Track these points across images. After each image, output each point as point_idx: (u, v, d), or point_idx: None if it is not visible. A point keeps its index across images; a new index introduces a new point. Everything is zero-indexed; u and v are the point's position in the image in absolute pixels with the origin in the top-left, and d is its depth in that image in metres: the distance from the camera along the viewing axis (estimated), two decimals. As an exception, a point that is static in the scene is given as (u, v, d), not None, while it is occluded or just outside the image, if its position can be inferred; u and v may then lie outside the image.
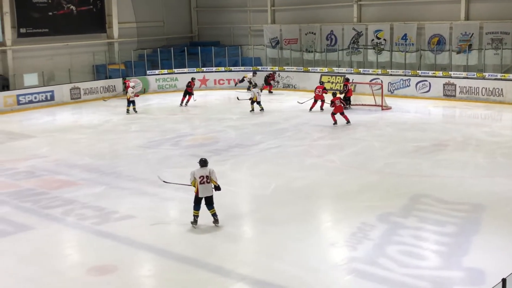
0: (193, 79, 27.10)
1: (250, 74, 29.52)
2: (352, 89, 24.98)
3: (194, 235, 11.28)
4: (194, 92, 26.47)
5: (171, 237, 11.34)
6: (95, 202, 13.26)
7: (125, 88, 26.91)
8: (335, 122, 20.62)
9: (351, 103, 24.00)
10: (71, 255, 10.92)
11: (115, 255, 10.48)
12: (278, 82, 30.01)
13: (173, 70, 31.08)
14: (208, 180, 11.25)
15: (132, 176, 15.36)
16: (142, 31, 32.98)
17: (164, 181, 12.90)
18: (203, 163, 11.49)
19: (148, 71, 30.74)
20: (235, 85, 30.07)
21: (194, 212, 11.44)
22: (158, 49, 31.65)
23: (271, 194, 13.74)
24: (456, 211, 12.04)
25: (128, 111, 24.33)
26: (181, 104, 26.12)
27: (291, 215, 12.11)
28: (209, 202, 11.35)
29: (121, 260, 10.19)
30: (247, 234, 11.85)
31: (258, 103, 23.91)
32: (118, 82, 29.57)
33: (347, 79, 25.54)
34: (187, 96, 26.16)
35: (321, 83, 26.46)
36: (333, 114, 20.66)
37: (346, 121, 20.61)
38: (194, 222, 11.44)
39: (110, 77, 29.83)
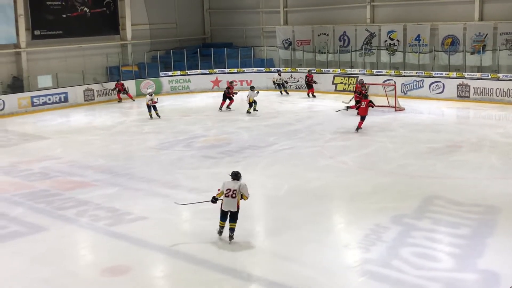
0: (232, 82, 26.49)
1: (275, 75, 29.42)
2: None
3: (207, 237, 11.28)
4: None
5: (184, 238, 11.34)
6: (108, 203, 13.32)
7: (117, 91, 27.96)
8: (358, 129, 19.77)
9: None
10: (84, 256, 10.99)
11: (129, 256, 10.52)
12: (315, 82, 28.35)
13: (186, 71, 31.17)
14: (234, 195, 10.68)
15: (145, 177, 15.42)
16: (155, 32, 33.12)
17: (182, 204, 12.24)
18: (234, 176, 10.90)
19: (161, 73, 30.84)
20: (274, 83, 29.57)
21: (219, 223, 10.98)
22: (171, 50, 31.75)
23: (284, 195, 13.73)
24: (470, 213, 11.96)
25: (151, 116, 23.84)
26: (220, 109, 25.27)
27: (304, 216, 12.09)
28: (233, 217, 10.80)
29: (134, 261, 10.22)
30: (260, 236, 11.84)
31: (251, 104, 23.93)
32: (131, 84, 29.68)
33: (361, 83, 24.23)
34: (228, 101, 25.39)
35: (361, 82, 24.30)
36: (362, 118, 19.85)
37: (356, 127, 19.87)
38: (219, 232, 10.99)
39: (123, 79, 29.94)
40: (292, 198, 13.44)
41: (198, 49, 32.07)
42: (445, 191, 13.35)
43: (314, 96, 27.94)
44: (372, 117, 22.35)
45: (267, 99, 28.17)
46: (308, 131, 20.44)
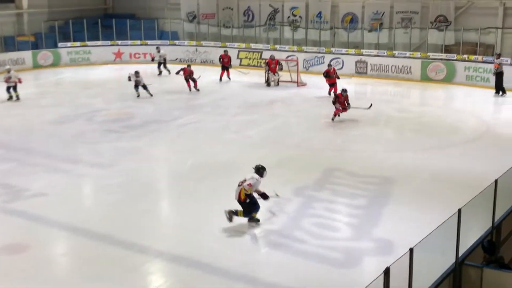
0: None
1: (155, 52, 27.21)
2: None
3: (109, 212, 11.13)
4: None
5: (86, 214, 11.11)
6: (3, 179, 12.77)
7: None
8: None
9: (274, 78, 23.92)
10: (-21, 234, 10.52)
11: (27, 233, 10.19)
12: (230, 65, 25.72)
13: (86, 43, 30.08)
14: (240, 184, 10.26)
15: (44, 152, 14.88)
16: (53, 1, 31.54)
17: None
18: (256, 170, 10.41)
19: (59, 44, 29.57)
20: (152, 60, 28.41)
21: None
22: (70, 20, 30.46)
23: (189, 169, 13.75)
24: (367, 184, 12.54)
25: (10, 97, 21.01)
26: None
27: (210, 190, 12.19)
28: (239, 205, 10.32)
29: (33, 239, 9.93)
30: (164, 209, 11.84)
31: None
32: (27, 55, 28.27)
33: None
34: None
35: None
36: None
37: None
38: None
39: (19, 49, 28.44)
40: (197, 172, 13.48)
41: (99, 20, 30.97)
42: (344, 163, 13.91)
43: (229, 78, 25.29)
44: (276, 91, 22.77)
45: (171, 72, 27.84)
46: (213, 105, 20.47)
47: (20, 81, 20.98)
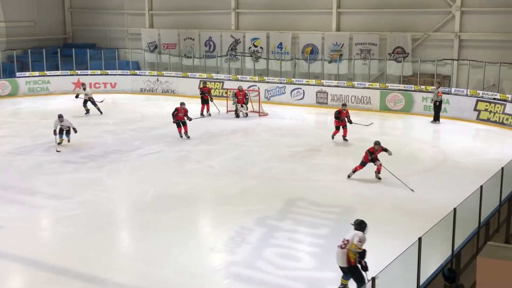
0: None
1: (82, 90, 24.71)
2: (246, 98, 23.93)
3: (66, 245, 10.86)
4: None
5: (43, 247, 10.84)
6: (-43, 212, 12.36)
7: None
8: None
9: (242, 109, 23.70)
10: None
11: (-19, 268, 9.85)
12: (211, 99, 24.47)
13: (45, 72, 29.70)
14: (343, 246, 8.75)
15: (1, 184, 14.49)
16: (11, 30, 31.19)
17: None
18: (357, 225, 9.03)
19: (17, 73, 29.12)
20: (76, 97, 24.99)
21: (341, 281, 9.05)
22: (29, 50, 30.10)
23: (150, 200, 13.56)
24: (329, 213, 12.59)
25: None
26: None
27: (170, 221, 12.04)
28: (345, 271, 8.87)
29: (-12, 274, 9.59)
30: (124, 242, 11.61)
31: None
32: (-16, 84, 27.77)
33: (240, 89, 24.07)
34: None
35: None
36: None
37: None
38: None
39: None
40: (158, 203, 13.31)
41: (59, 49, 30.72)
42: (306, 193, 13.94)
43: (209, 114, 24.02)
44: (237, 121, 22.81)
45: (132, 102, 27.71)
46: (174, 135, 20.35)
47: None
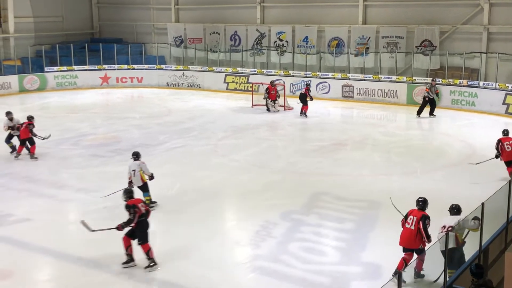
0: (272, 82, 24.03)
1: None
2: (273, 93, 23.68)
3: (94, 238, 10.97)
4: None
5: (70, 240, 10.98)
6: (-12, 205, 12.60)
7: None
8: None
9: (274, 105, 23.59)
10: (-38, 261, 10.33)
11: (11, 259, 10.03)
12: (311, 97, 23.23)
13: (73, 67, 30.07)
14: (451, 228, 8.70)
15: (29, 177, 14.72)
16: (40, 26, 31.64)
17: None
18: (457, 210, 9.23)
19: (46, 68, 29.54)
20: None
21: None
22: (57, 45, 30.49)
23: (176, 194, 13.66)
24: (354, 208, 12.53)
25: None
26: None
27: (196, 214, 12.11)
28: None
29: (17, 265, 9.77)
30: (151, 235, 11.68)
31: None
32: (13, 79, 28.18)
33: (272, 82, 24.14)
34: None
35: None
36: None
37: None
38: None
39: (5, 74, 28.35)
40: (184, 196, 13.40)
41: (86, 44, 31.02)
42: (331, 188, 13.89)
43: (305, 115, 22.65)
44: (262, 115, 22.81)
45: (158, 97, 27.90)
46: (200, 129, 20.45)
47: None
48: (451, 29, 25.52)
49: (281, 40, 29.61)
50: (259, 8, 30.27)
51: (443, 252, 8.00)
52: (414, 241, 8.75)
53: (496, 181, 13.07)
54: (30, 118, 16.75)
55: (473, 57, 24.90)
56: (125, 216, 9.63)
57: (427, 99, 22.33)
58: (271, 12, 30.36)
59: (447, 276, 7.65)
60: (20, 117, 17.13)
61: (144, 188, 12.31)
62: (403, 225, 9.01)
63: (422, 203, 9.09)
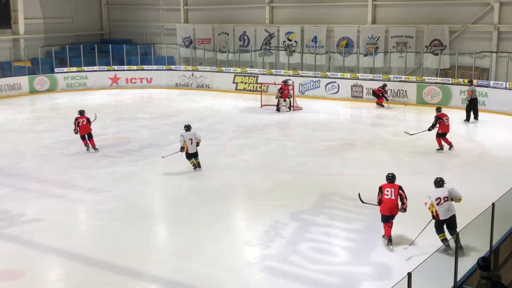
0: (285, 82, 23.90)
1: None
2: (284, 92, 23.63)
3: (104, 237, 11.04)
4: None
5: (81, 240, 11.04)
6: (-1, 205, 12.68)
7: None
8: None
9: (286, 104, 23.63)
10: (-27, 261, 10.40)
11: (22, 259, 10.09)
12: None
13: (83, 68, 30.21)
14: (446, 199, 9.99)
15: (39, 178, 14.80)
16: (50, 27, 31.84)
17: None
18: (437, 183, 10.43)
19: (56, 69, 29.68)
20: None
21: (439, 236, 10.01)
22: (67, 46, 30.63)
23: (185, 194, 13.69)
24: (364, 207, 12.44)
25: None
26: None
27: (205, 214, 12.12)
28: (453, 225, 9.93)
29: (28, 264, 9.83)
30: (160, 235, 11.74)
31: None
32: (24, 80, 28.34)
33: (285, 82, 24.06)
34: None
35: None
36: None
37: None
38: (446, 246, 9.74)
39: (15, 75, 28.53)
40: (193, 197, 13.43)
41: (96, 45, 31.16)
42: (340, 188, 13.85)
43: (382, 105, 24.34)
44: (271, 115, 22.80)
45: (168, 97, 27.96)
46: (209, 129, 20.46)
47: None
48: (461, 29, 25.40)
49: (290, 40, 29.60)
50: (268, 8, 30.26)
51: (446, 220, 9.76)
52: (396, 208, 10.32)
53: (507, 181, 12.95)
54: (82, 113, 17.62)
55: (483, 57, 24.77)
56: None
57: (467, 102, 21.39)
58: (280, 12, 30.35)
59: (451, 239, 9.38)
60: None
61: (196, 153, 14.86)
62: (381, 200, 10.39)
63: (392, 177, 10.63)
